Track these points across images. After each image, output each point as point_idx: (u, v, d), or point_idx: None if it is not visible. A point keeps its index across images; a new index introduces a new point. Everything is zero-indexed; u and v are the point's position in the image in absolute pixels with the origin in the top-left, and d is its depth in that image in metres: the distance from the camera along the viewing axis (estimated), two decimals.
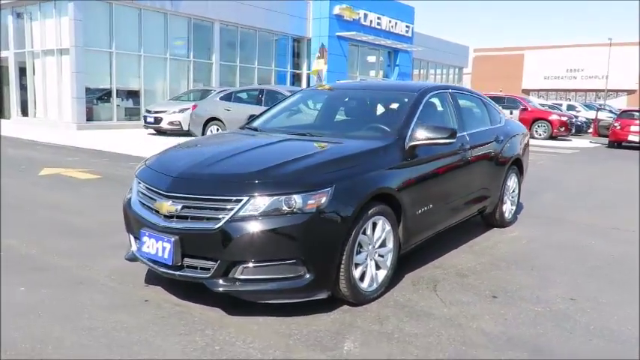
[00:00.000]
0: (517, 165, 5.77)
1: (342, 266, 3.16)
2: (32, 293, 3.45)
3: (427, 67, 34.00)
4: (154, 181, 3.38)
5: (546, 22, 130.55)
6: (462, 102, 4.98)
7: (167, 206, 3.16)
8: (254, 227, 2.97)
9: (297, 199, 3.01)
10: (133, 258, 3.50)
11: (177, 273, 3.16)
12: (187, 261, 3.13)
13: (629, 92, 62.56)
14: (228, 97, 11.29)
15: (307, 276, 3.05)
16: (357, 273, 3.30)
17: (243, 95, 11.40)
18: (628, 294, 3.81)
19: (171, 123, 14.71)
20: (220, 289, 3.06)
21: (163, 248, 3.11)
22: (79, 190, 6.99)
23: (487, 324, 3.20)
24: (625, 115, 19.62)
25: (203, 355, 2.70)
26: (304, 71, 24.57)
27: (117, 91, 17.86)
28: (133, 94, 18.57)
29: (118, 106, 17.98)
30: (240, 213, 2.99)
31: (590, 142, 21.58)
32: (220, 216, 3.03)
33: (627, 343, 3.02)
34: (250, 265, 3.02)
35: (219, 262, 3.04)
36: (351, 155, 3.48)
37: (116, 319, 3.09)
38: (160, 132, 15.33)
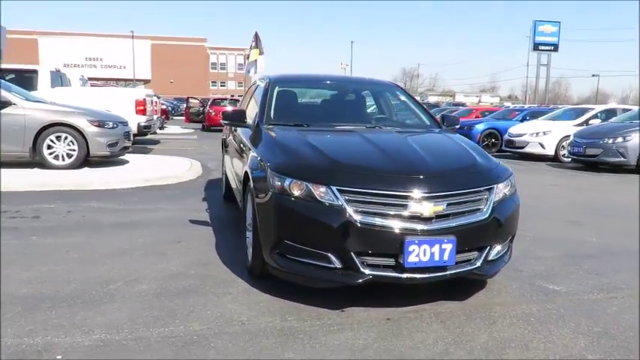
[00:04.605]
0: None
1: None
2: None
3: None
4: (387, 184, 3.02)
5: (60, 9, 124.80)
6: None
7: (432, 208, 3.01)
8: (507, 210, 3.32)
9: (511, 181, 3.51)
10: (372, 279, 3.01)
11: (449, 272, 3.08)
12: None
13: (146, 82, 68.66)
14: None
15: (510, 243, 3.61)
16: None
17: None
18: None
19: None
20: (484, 273, 3.24)
21: (442, 251, 2.98)
22: None
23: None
24: (216, 103, 22.75)
25: (554, 325, 3.01)
26: None
27: None
28: None
29: None
30: (496, 199, 3.26)
31: (182, 127, 23.83)
32: (481, 206, 3.19)
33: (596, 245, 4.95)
34: (500, 245, 3.34)
35: (487, 248, 3.21)
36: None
37: (430, 342, 2.81)
38: None
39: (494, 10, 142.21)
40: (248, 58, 5.31)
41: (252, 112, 4.66)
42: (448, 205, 3.07)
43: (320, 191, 3.05)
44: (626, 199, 7.58)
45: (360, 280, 3.01)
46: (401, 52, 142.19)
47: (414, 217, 2.99)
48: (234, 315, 3.04)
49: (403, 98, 4.90)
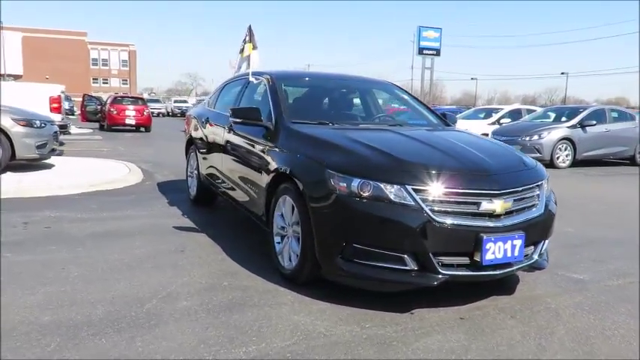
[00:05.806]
0: None
1: None
2: None
3: None
4: (459, 182, 2.97)
5: None
6: None
7: (503, 204, 3.02)
8: (553, 205, 3.45)
9: (549, 178, 3.63)
10: (449, 279, 2.94)
11: (515, 267, 3.12)
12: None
13: (16, 77, 62.61)
14: None
15: None
16: None
17: None
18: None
19: None
20: (539, 266, 3.32)
21: (513, 247, 3.00)
22: None
23: None
24: (117, 101, 21.29)
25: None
26: None
27: None
28: None
29: None
30: (544, 193, 3.35)
31: (78, 126, 22.00)
32: (536, 202, 3.26)
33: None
34: (548, 238, 3.45)
35: (544, 241, 3.30)
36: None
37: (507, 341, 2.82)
38: None
39: (382, 14, 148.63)
40: (242, 52, 4.88)
41: None
42: (514, 201, 3.11)
43: (391, 191, 2.92)
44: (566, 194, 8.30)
45: (436, 282, 2.94)
46: (289, 53, 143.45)
47: (486, 215, 2.99)
48: (309, 327, 2.82)
49: (405, 97, 4.89)
